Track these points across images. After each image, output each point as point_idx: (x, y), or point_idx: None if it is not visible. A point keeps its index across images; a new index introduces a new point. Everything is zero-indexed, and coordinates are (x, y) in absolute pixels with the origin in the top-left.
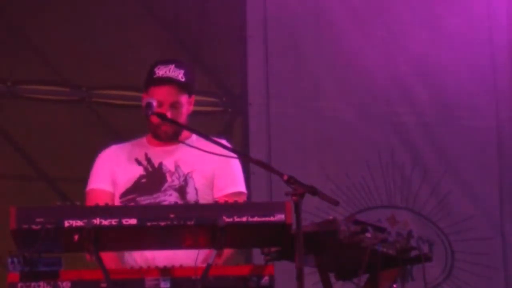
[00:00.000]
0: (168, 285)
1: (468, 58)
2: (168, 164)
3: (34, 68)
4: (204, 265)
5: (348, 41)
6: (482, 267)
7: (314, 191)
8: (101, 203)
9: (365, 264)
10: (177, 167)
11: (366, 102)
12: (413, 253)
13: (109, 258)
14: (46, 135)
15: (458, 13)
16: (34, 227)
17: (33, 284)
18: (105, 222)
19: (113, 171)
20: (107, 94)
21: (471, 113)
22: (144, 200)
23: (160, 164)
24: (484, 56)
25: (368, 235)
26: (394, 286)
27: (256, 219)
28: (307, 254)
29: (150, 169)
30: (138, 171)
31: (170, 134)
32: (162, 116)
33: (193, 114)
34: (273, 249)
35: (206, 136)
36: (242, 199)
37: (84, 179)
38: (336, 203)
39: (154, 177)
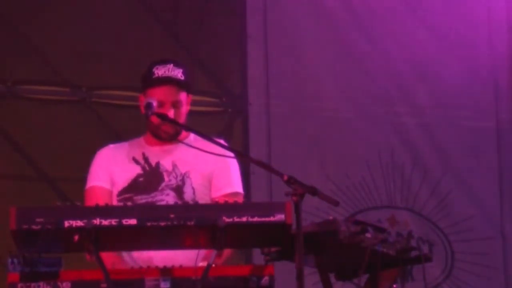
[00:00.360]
0: (168, 285)
1: (468, 58)
2: (166, 164)
3: (34, 68)
4: (204, 265)
5: (348, 41)
6: (482, 267)
7: (314, 191)
8: (101, 201)
9: (365, 264)
10: (174, 166)
11: (366, 102)
12: (413, 253)
13: (108, 255)
14: (46, 135)
15: (458, 13)
16: (34, 227)
17: (33, 284)
18: (105, 222)
19: (111, 170)
20: (107, 94)
21: (471, 113)
22: (141, 199)
23: (158, 163)
24: (484, 56)
25: (368, 235)
26: (394, 286)
27: (256, 219)
28: (307, 254)
29: (147, 168)
30: (136, 170)
31: (171, 134)
32: (162, 117)
33: (193, 114)
34: (273, 249)
35: (205, 135)
36: (238, 200)
37: (84, 179)
38: (336, 204)
39: (151, 176)
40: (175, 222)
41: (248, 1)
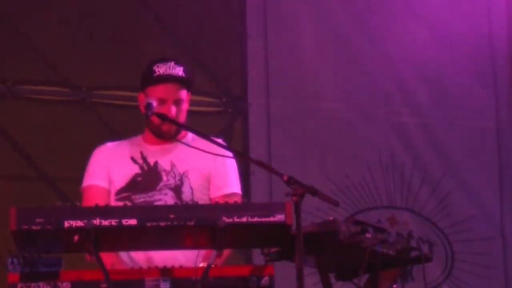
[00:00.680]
0: (168, 285)
1: (468, 58)
2: (164, 163)
3: (34, 68)
4: (204, 265)
5: (348, 41)
6: (482, 267)
7: (314, 192)
8: (99, 200)
9: (365, 264)
10: (172, 166)
11: (366, 102)
12: (413, 253)
13: (107, 255)
14: (46, 135)
15: (458, 13)
16: (34, 227)
17: (33, 284)
18: (105, 223)
19: (108, 168)
20: (107, 94)
21: (471, 113)
22: (139, 198)
23: (156, 163)
24: (484, 56)
25: (368, 235)
26: (394, 286)
27: (256, 219)
28: (307, 254)
29: (145, 168)
30: (134, 169)
31: (172, 133)
32: (162, 117)
33: (193, 114)
34: (273, 250)
35: (203, 135)
36: (236, 200)
37: None
38: (336, 204)
39: (149, 176)
40: (175, 223)
41: (248, 1)
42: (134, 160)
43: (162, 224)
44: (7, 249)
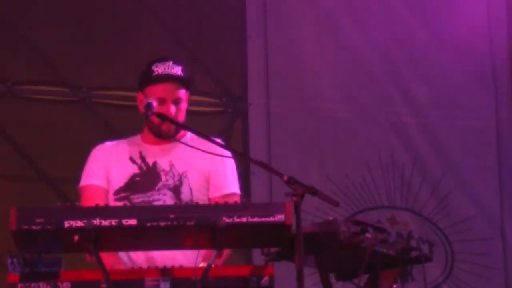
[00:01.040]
0: (168, 285)
1: (468, 58)
2: (163, 163)
3: (34, 68)
4: (204, 265)
5: (348, 41)
6: (482, 267)
7: (314, 192)
8: (97, 199)
9: (365, 264)
10: (171, 166)
11: (366, 102)
12: (413, 253)
13: (107, 256)
14: (46, 135)
15: (458, 13)
16: (34, 227)
17: (33, 284)
18: (105, 223)
19: (106, 168)
20: (107, 94)
21: (471, 113)
22: (138, 198)
23: (155, 163)
24: (484, 56)
25: (368, 235)
26: (394, 286)
27: (256, 219)
28: (307, 254)
29: (144, 168)
30: (132, 169)
31: (172, 133)
32: (162, 117)
33: (193, 114)
34: (273, 250)
35: (202, 135)
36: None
37: None
38: (336, 204)
39: (148, 176)
40: (175, 223)
41: (248, 1)
42: (132, 160)
43: (162, 224)
44: (7, 249)
